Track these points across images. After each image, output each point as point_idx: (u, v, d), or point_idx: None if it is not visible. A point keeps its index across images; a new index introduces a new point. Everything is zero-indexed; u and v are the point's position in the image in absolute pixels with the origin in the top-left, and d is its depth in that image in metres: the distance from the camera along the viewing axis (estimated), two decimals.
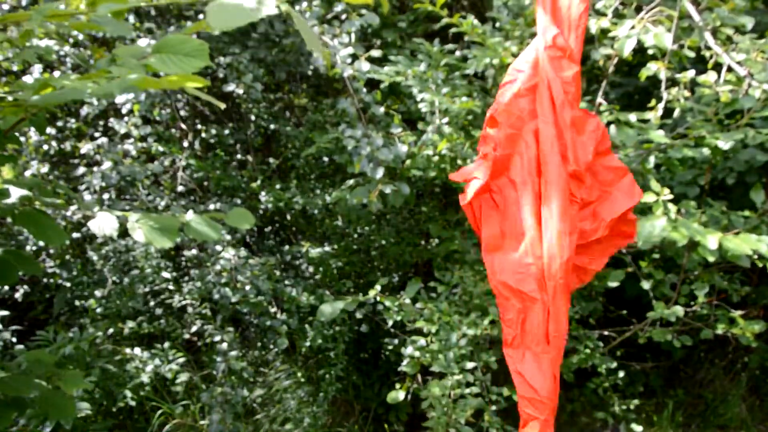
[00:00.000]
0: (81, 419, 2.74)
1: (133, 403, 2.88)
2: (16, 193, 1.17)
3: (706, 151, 2.31)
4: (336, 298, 2.68)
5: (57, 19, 0.69)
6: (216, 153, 3.42)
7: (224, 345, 2.83)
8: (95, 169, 2.82)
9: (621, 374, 2.76)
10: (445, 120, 2.56)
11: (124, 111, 2.88)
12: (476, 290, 2.54)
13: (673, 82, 2.29)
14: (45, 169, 3.22)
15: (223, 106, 0.70)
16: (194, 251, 3.06)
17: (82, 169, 2.86)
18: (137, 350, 2.99)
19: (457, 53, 2.95)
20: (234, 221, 1.13)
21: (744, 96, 2.10)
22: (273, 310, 3.01)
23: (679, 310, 2.42)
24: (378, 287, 2.60)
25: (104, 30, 0.78)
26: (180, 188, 3.09)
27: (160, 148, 3.03)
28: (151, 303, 3.23)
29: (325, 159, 3.37)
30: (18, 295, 3.44)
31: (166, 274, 3.11)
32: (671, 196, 2.08)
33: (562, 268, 1.28)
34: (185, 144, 3.29)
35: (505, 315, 1.35)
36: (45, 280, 3.47)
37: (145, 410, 3.06)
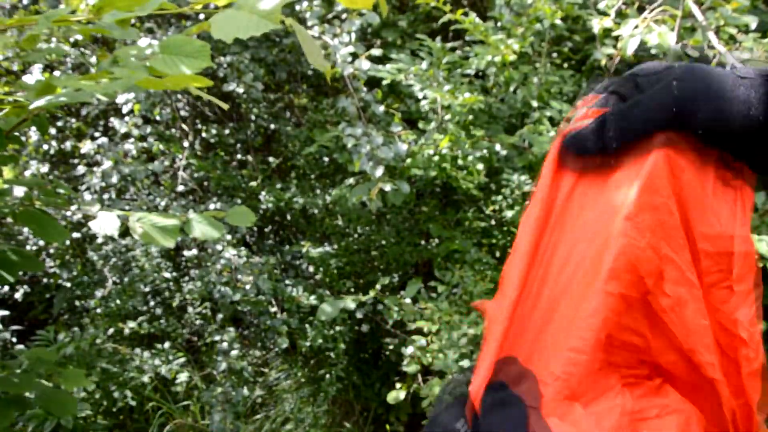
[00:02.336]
0: (81, 419, 2.74)
1: (133, 403, 2.88)
2: (17, 192, 1.17)
3: None
4: (336, 297, 2.68)
5: (63, 24, 0.69)
6: (216, 153, 3.42)
7: (224, 344, 2.83)
8: (95, 169, 2.82)
9: None
10: (447, 117, 2.55)
11: (124, 111, 2.88)
12: (476, 290, 2.54)
13: None
14: (45, 168, 3.22)
15: (226, 106, 0.70)
16: (194, 251, 3.06)
17: (82, 169, 2.86)
18: (137, 350, 2.99)
19: (458, 52, 2.96)
20: (234, 220, 1.13)
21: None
22: (273, 309, 3.01)
23: None
24: (378, 287, 2.60)
25: (109, 33, 0.78)
26: (180, 188, 3.09)
27: (161, 148, 3.03)
28: (151, 303, 3.23)
29: (326, 159, 3.37)
30: (18, 295, 3.44)
31: (166, 274, 3.11)
32: None
33: None
34: (186, 144, 3.29)
35: None
36: (45, 280, 3.47)
37: (145, 410, 3.06)
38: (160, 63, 0.66)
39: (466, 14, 2.61)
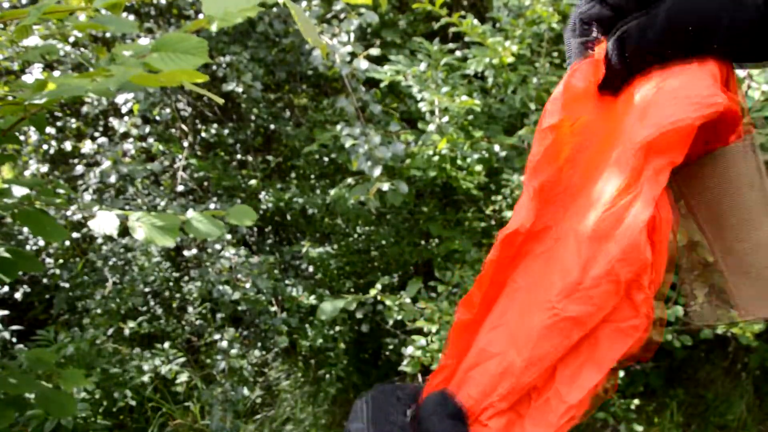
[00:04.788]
0: (81, 419, 2.74)
1: (133, 403, 2.88)
2: (16, 192, 1.17)
3: None
4: (336, 297, 2.69)
5: (55, 16, 0.69)
6: (216, 153, 3.42)
7: (224, 343, 2.84)
8: (95, 168, 2.82)
9: (621, 374, 2.76)
10: (445, 119, 2.56)
11: (124, 111, 2.89)
12: None
13: None
14: (45, 168, 3.23)
15: (221, 101, 0.70)
16: (194, 251, 3.07)
17: (81, 169, 2.86)
18: (137, 350, 2.99)
19: (458, 53, 2.96)
20: (235, 218, 1.13)
21: (743, 97, 2.10)
22: (273, 309, 3.02)
23: (679, 310, 2.42)
24: (379, 286, 2.60)
25: (107, 29, 0.78)
26: (180, 188, 3.10)
27: (161, 148, 3.03)
28: (151, 303, 3.24)
29: (326, 159, 3.37)
30: (18, 295, 3.44)
31: (165, 274, 3.12)
32: None
33: None
34: (185, 144, 3.29)
35: None
36: (45, 280, 3.47)
37: (145, 410, 3.06)
38: (157, 60, 0.66)
39: (464, 17, 2.61)
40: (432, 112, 2.57)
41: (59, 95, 0.64)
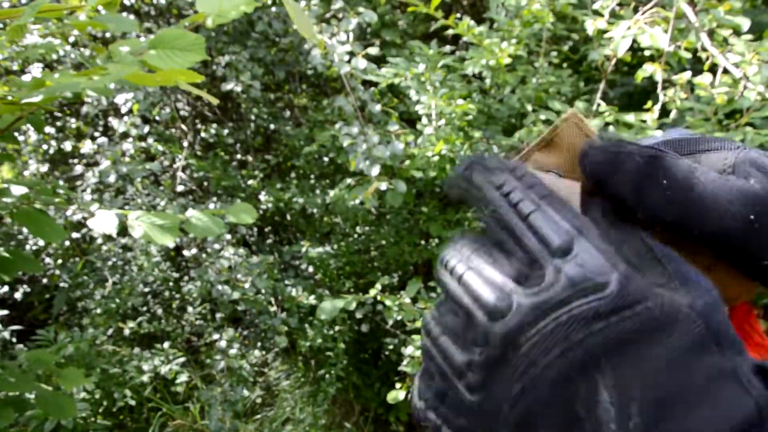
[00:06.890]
0: (81, 419, 2.74)
1: (133, 403, 2.88)
2: (15, 192, 1.17)
3: None
4: (335, 297, 2.69)
5: (52, 15, 0.69)
6: (216, 153, 3.43)
7: (223, 343, 2.84)
8: (95, 168, 2.82)
9: None
10: (443, 122, 2.56)
11: (123, 110, 2.89)
12: None
13: (670, 83, 2.29)
14: (44, 168, 3.23)
15: (216, 101, 0.70)
16: (194, 251, 3.07)
17: (80, 169, 2.87)
18: (137, 350, 2.99)
19: (457, 53, 2.96)
20: (236, 216, 1.13)
21: (739, 98, 2.10)
22: (272, 309, 3.02)
23: None
24: (379, 286, 2.60)
25: (106, 28, 0.79)
26: (180, 188, 3.10)
27: (160, 148, 3.03)
28: (151, 303, 3.24)
29: (325, 159, 3.38)
30: (18, 295, 3.45)
31: (165, 274, 3.12)
32: None
33: None
34: (185, 143, 3.30)
35: None
36: (45, 280, 3.47)
37: (144, 410, 3.07)
38: (154, 57, 0.67)
39: (460, 18, 2.61)
40: (429, 116, 2.57)
41: (55, 93, 0.64)
